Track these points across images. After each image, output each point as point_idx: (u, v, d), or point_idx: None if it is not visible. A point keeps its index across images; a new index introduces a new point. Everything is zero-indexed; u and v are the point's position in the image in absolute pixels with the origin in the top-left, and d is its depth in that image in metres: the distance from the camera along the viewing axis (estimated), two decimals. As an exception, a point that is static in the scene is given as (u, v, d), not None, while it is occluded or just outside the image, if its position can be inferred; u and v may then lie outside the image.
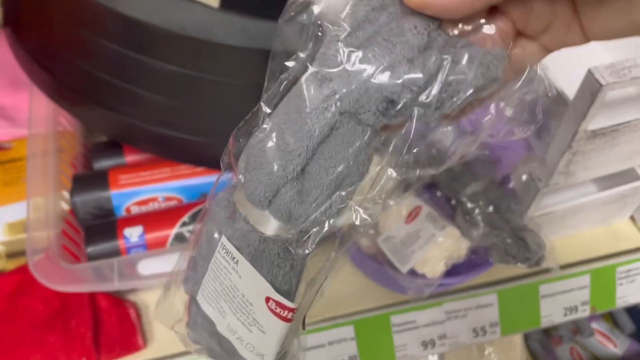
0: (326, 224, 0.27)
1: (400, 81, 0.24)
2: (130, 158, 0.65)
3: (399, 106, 0.24)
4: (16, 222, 0.62)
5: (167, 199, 0.60)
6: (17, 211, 0.63)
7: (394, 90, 0.24)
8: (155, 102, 0.53)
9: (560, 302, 0.64)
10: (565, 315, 0.65)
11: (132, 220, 0.57)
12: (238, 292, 0.29)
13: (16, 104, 0.69)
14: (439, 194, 0.59)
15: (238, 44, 0.48)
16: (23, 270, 0.59)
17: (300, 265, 0.29)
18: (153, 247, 0.57)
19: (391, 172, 0.27)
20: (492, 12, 0.25)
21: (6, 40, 0.61)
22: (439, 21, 0.24)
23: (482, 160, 0.56)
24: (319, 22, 0.26)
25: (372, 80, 0.24)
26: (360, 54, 0.24)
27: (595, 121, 0.48)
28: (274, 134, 0.26)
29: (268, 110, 0.28)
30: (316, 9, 0.26)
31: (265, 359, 0.30)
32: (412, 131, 0.25)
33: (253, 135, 0.28)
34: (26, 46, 0.57)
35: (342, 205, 0.27)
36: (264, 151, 0.26)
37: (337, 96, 0.25)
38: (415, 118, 0.25)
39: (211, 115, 0.53)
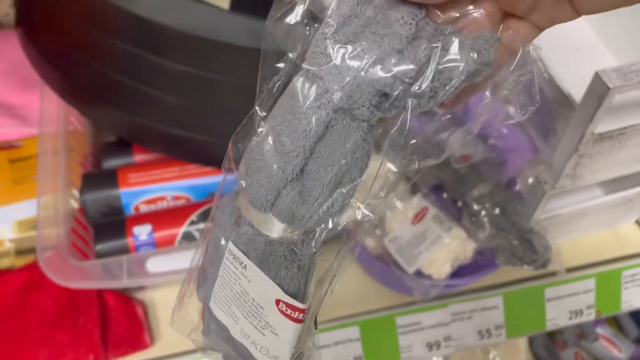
0: (330, 222, 0.27)
1: (391, 74, 0.23)
2: (139, 157, 0.65)
3: (392, 99, 0.24)
4: (25, 220, 0.63)
5: (176, 198, 0.61)
6: (26, 209, 0.63)
7: (386, 83, 0.24)
8: (165, 102, 0.53)
9: (566, 306, 0.64)
10: (571, 318, 0.65)
11: (141, 219, 0.58)
12: (248, 297, 0.29)
13: (27, 103, 0.70)
14: (445, 195, 0.60)
15: (247, 44, 0.49)
16: (32, 267, 0.60)
17: (307, 266, 0.29)
18: (161, 246, 0.57)
19: (390, 165, 0.27)
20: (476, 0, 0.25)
21: (18, 40, 0.61)
22: (426, 10, 0.24)
23: (488, 163, 0.57)
24: (306, 21, 0.26)
25: (363, 75, 0.24)
26: (348, 49, 0.24)
27: (602, 124, 0.48)
28: (270, 137, 0.26)
29: (263, 114, 0.27)
30: (301, 8, 0.26)
31: None
32: (408, 122, 0.25)
33: (251, 140, 0.28)
34: (38, 46, 0.58)
35: (344, 203, 0.27)
36: (262, 154, 0.26)
37: (329, 94, 0.24)
38: (409, 109, 0.24)
39: (220, 115, 0.54)
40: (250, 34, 0.49)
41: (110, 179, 0.61)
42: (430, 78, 0.23)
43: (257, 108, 0.28)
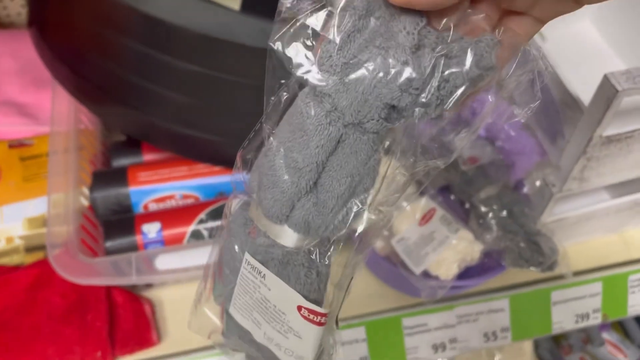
0: (344, 230, 0.28)
1: (397, 86, 0.24)
2: (148, 157, 0.66)
3: (400, 110, 0.25)
4: (35, 217, 0.63)
5: (185, 196, 0.61)
6: (36, 206, 0.64)
7: (393, 97, 0.24)
8: (175, 101, 0.54)
9: (572, 309, 0.64)
10: (577, 322, 0.65)
11: (150, 217, 0.58)
12: (270, 304, 0.30)
13: (38, 102, 0.71)
14: (452, 197, 0.60)
15: (258, 45, 0.49)
16: (41, 264, 0.60)
17: (325, 271, 0.30)
18: (170, 244, 0.58)
19: (400, 170, 0.28)
20: (473, 1, 0.25)
21: (31, 40, 0.62)
22: (427, 18, 0.24)
23: (496, 165, 0.57)
24: (309, 39, 0.26)
25: (371, 90, 0.24)
26: (354, 65, 0.24)
27: (610, 127, 0.48)
28: (281, 153, 0.26)
29: (271, 129, 0.28)
30: (304, 26, 0.26)
31: None
32: (416, 129, 0.25)
33: (260, 154, 0.28)
34: (50, 45, 0.59)
35: (358, 210, 0.27)
36: (275, 170, 0.27)
37: (338, 111, 0.25)
38: (417, 118, 0.25)
39: (230, 115, 0.54)
40: (260, 34, 0.49)
41: (120, 177, 0.61)
42: (436, 87, 0.24)
43: (264, 124, 0.28)
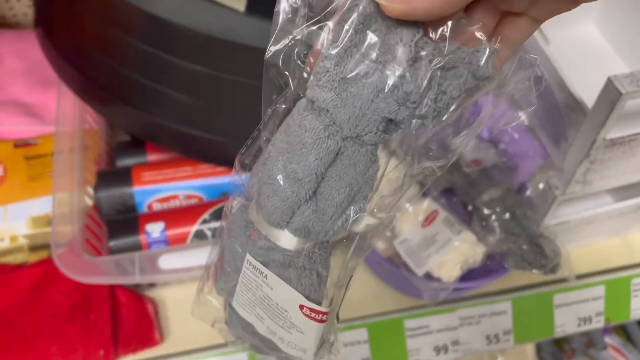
0: (343, 233, 0.28)
1: (395, 100, 0.24)
2: (152, 157, 0.66)
3: (398, 122, 0.25)
4: (40, 217, 0.64)
5: (189, 196, 0.61)
6: (40, 205, 0.65)
7: (391, 111, 0.24)
8: (180, 102, 0.54)
9: (575, 312, 0.64)
10: (579, 325, 0.65)
11: (154, 217, 0.59)
12: (272, 301, 0.30)
13: (44, 102, 0.71)
14: (455, 199, 0.60)
15: (262, 46, 0.49)
16: (45, 262, 0.60)
17: (325, 273, 0.30)
18: (174, 243, 0.58)
19: (400, 172, 0.28)
20: (470, 5, 0.24)
21: (37, 40, 0.63)
22: (423, 29, 0.24)
23: (499, 167, 0.57)
24: (305, 54, 0.26)
25: (368, 104, 0.24)
26: (351, 80, 0.24)
27: (614, 130, 0.48)
28: (280, 163, 0.27)
29: (269, 138, 0.28)
30: (300, 41, 0.26)
31: (308, 352, 0.32)
32: (414, 138, 0.26)
33: (259, 161, 0.28)
34: (56, 45, 0.59)
35: (358, 215, 0.28)
36: (274, 180, 0.27)
37: (336, 125, 0.25)
38: (414, 129, 0.25)
39: (234, 116, 0.54)
40: (265, 35, 0.49)
41: (124, 177, 0.62)
42: (433, 99, 0.24)
43: (263, 136, 0.28)
